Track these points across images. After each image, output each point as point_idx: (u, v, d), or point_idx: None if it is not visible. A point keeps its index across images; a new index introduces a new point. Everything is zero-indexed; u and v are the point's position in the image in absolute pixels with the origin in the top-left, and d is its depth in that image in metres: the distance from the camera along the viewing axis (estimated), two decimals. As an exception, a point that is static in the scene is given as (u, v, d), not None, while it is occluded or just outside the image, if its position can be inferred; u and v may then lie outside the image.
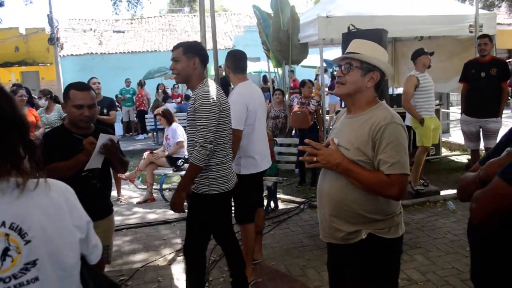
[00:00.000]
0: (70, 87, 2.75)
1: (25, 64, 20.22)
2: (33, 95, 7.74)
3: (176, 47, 2.99)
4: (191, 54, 2.93)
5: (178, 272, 4.04)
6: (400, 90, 9.32)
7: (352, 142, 2.04)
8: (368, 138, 1.98)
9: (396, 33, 6.94)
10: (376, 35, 4.20)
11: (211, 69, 10.17)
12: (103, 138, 2.69)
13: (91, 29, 23.59)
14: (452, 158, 8.20)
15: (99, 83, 6.33)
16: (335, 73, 2.29)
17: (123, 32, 23.58)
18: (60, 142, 2.73)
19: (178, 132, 6.52)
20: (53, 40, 18.47)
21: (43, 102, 6.34)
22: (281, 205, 5.88)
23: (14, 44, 20.00)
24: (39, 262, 1.09)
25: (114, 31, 23.53)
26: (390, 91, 9.62)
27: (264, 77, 15.23)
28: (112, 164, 2.88)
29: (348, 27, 4.41)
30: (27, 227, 1.07)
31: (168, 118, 6.65)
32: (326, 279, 3.68)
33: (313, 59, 11.28)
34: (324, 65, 7.46)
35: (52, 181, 1.19)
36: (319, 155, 2.03)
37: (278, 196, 6.00)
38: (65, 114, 6.17)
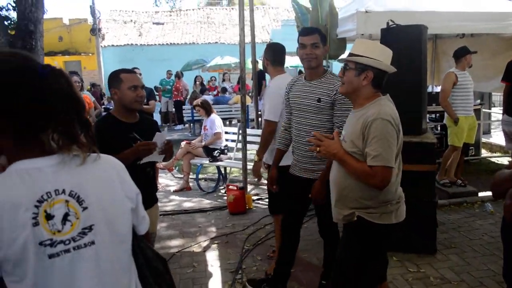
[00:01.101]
0: (118, 72, 2.78)
1: (68, 54, 20.87)
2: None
3: (311, 32, 3.04)
4: (324, 43, 3.06)
5: (213, 259, 4.16)
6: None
7: (349, 135, 2.29)
8: (360, 132, 2.20)
9: (437, 30, 6.80)
10: (415, 32, 4.16)
11: (248, 62, 10.23)
12: (160, 137, 2.69)
13: (131, 20, 24.11)
14: (493, 159, 8.00)
15: (140, 74, 6.50)
16: None
17: (162, 24, 23.98)
18: (112, 132, 2.70)
19: (216, 123, 6.63)
20: (95, 30, 19.07)
21: None
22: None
23: (58, 34, 20.66)
24: (95, 227, 1.19)
25: (153, 23, 23.97)
26: (430, 89, 9.45)
27: (300, 72, 15.19)
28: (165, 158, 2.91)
29: (387, 23, 4.37)
30: (84, 195, 1.18)
31: (207, 109, 6.78)
32: (358, 273, 3.73)
33: (350, 54, 11.13)
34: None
35: (105, 156, 1.31)
36: (321, 145, 2.30)
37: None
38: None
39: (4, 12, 9.69)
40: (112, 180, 1.28)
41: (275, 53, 3.84)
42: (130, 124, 2.77)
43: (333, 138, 2.34)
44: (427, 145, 4.01)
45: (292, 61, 15.34)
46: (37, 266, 1.09)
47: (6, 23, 9.24)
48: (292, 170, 3.24)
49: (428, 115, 7.50)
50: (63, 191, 1.15)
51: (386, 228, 2.30)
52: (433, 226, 4.04)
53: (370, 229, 2.28)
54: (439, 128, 7.28)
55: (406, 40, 4.14)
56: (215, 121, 6.64)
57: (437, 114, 7.36)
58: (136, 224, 1.39)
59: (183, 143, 7.00)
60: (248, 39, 5.91)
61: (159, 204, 2.93)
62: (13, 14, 9.47)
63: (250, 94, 11.43)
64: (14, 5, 9.13)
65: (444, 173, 5.85)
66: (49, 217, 1.11)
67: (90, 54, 20.77)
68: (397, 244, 4.00)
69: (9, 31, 8.85)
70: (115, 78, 2.75)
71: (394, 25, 4.32)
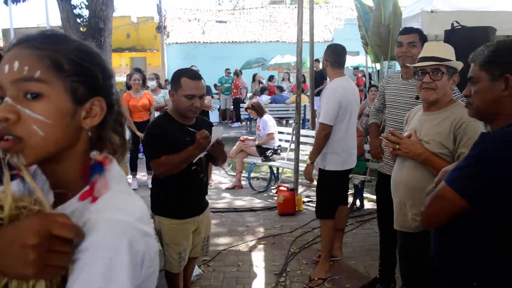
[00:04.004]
0: (181, 74, 2.60)
1: (135, 50, 21.72)
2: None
3: (410, 31, 3.12)
4: (422, 42, 3.10)
5: (258, 260, 4.15)
6: None
7: (433, 137, 2.19)
8: (449, 133, 2.14)
9: (508, 31, 6.39)
10: (482, 34, 3.91)
11: (307, 61, 10.16)
12: (217, 131, 2.58)
13: (195, 18, 24.66)
14: None
15: (198, 71, 6.63)
16: (416, 77, 2.36)
17: (225, 22, 24.34)
18: (166, 132, 2.61)
19: (269, 123, 6.63)
20: (160, 28, 19.68)
21: (153, 83, 7.17)
22: (367, 205, 5.76)
23: (126, 31, 21.53)
24: None
25: (216, 21, 24.38)
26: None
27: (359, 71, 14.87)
28: (215, 159, 2.83)
29: (452, 24, 4.14)
30: None
31: (258, 111, 6.81)
32: (405, 285, 3.58)
33: (414, 55, 10.75)
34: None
35: None
36: (402, 144, 2.22)
37: (364, 195, 5.87)
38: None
39: (77, 10, 10.29)
40: None
41: (335, 54, 3.76)
42: (187, 126, 2.66)
43: (410, 137, 2.26)
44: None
45: (353, 61, 15.03)
46: None
47: (78, 20, 9.80)
48: (383, 170, 3.28)
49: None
50: None
51: None
52: None
53: None
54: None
55: (471, 43, 3.90)
56: (268, 121, 6.65)
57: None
58: None
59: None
60: (307, 38, 5.84)
61: (210, 201, 2.92)
62: (85, 12, 10.03)
63: (307, 93, 11.34)
64: (86, 3, 9.68)
65: None
66: None
67: (155, 51, 21.48)
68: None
69: (80, 28, 9.38)
70: (176, 80, 2.61)
71: (459, 27, 4.10)
